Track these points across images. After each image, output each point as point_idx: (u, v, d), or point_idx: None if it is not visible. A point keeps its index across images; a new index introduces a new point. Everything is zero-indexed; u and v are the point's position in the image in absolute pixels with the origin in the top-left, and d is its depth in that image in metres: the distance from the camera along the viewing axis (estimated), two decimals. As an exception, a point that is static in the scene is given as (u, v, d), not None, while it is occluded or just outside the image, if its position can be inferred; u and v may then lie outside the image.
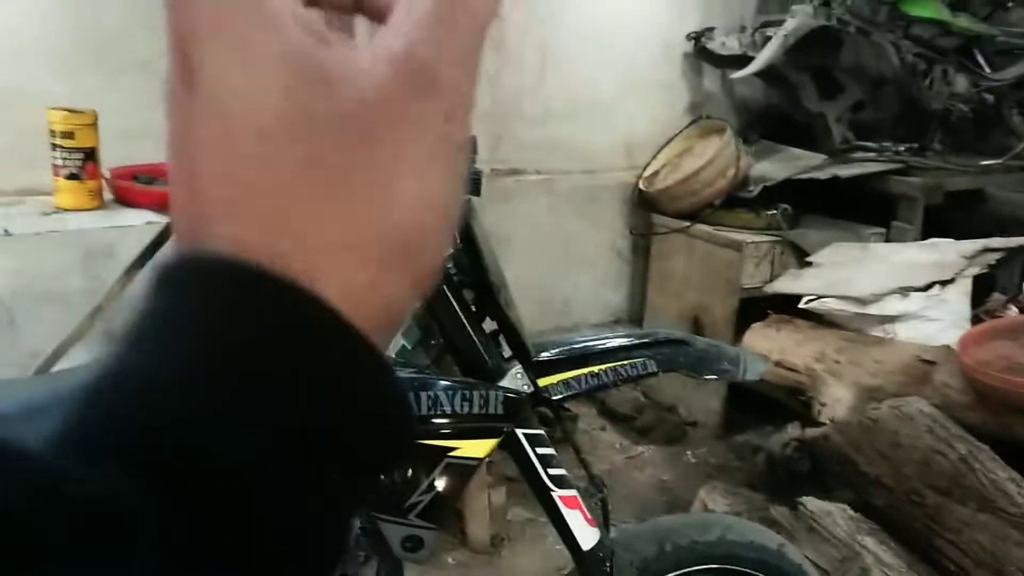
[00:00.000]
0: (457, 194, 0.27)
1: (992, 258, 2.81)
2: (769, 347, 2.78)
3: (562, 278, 3.67)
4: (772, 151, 3.61)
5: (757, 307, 3.06)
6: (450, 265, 1.37)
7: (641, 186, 3.61)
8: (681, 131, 3.68)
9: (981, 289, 3.13)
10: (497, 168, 3.46)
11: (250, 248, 0.24)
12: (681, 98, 3.77)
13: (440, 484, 1.32)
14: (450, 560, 2.55)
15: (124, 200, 2.06)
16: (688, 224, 3.37)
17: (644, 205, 3.65)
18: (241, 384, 0.23)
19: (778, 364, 2.74)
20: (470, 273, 1.40)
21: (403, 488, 1.31)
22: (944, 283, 2.69)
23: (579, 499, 1.48)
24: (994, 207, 3.29)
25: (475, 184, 1.42)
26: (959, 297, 2.73)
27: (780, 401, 3.06)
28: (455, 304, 1.37)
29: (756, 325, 2.92)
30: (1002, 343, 2.35)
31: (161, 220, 2.08)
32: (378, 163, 0.25)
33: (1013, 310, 2.88)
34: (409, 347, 1.44)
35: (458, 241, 1.38)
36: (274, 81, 0.24)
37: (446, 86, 0.25)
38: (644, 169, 3.65)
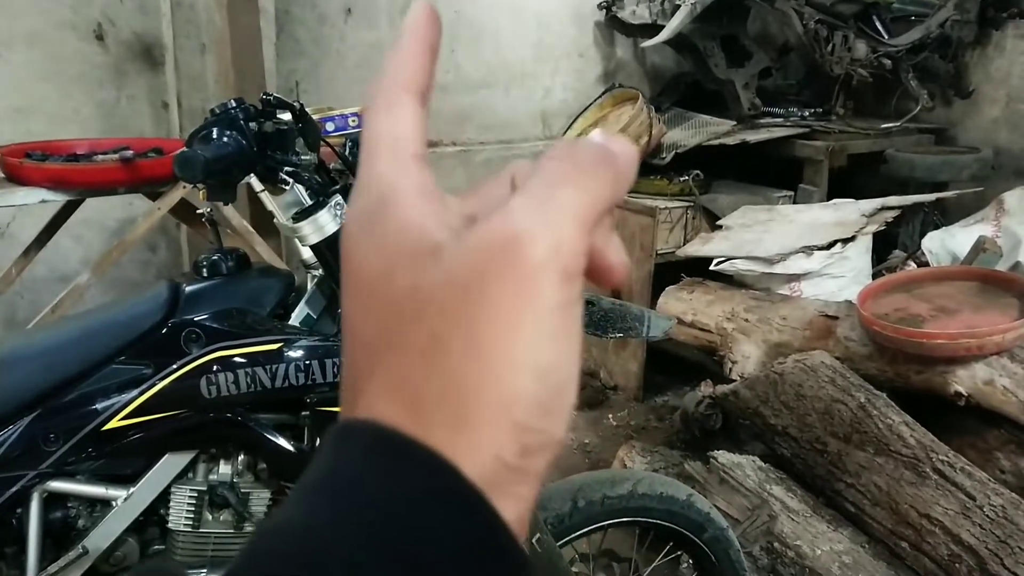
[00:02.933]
0: (573, 360, 0.28)
1: (889, 215, 2.93)
2: (683, 309, 2.85)
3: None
4: (684, 118, 3.68)
5: (673, 271, 3.13)
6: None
7: (557, 155, 3.63)
8: (595, 100, 3.71)
9: (884, 247, 3.27)
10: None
11: (387, 415, 0.27)
12: (594, 67, 3.80)
13: (349, 450, 1.32)
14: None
15: (16, 178, 1.97)
16: (603, 192, 3.40)
17: (561, 174, 3.67)
18: (381, 543, 0.25)
19: (691, 325, 2.81)
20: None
21: (312, 457, 1.31)
22: (845, 241, 2.80)
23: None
24: (894, 168, 3.42)
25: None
26: (860, 254, 2.85)
27: (696, 361, 3.15)
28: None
29: (670, 288, 2.99)
30: (897, 296, 2.46)
31: (56, 198, 2.00)
32: (474, 329, 0.26)
33: (912, 265, 3.01)
34: (315, 316, 1.43)
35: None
36: (395, 261, 0.27)
37: (546, 255, 0.26)
38: (560, 138, 3.67)
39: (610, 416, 3.29)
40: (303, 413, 1.31)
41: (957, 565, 1.79)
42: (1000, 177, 3.42)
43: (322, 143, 1.39)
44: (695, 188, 3.29)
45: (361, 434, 0.27)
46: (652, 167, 3.41)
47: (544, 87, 3.68)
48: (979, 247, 2.78)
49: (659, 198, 3.28)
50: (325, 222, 1.27)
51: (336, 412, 1.31)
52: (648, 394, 3.38)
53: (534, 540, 1.51)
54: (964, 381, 2.15)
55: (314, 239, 1.30)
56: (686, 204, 3.25)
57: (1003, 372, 2.14)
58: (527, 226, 0.26)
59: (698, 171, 3.34)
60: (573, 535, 1.64)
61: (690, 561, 1.75)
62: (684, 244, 3.19)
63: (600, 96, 3.71)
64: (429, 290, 0.27)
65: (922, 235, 3.16)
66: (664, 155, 3.41)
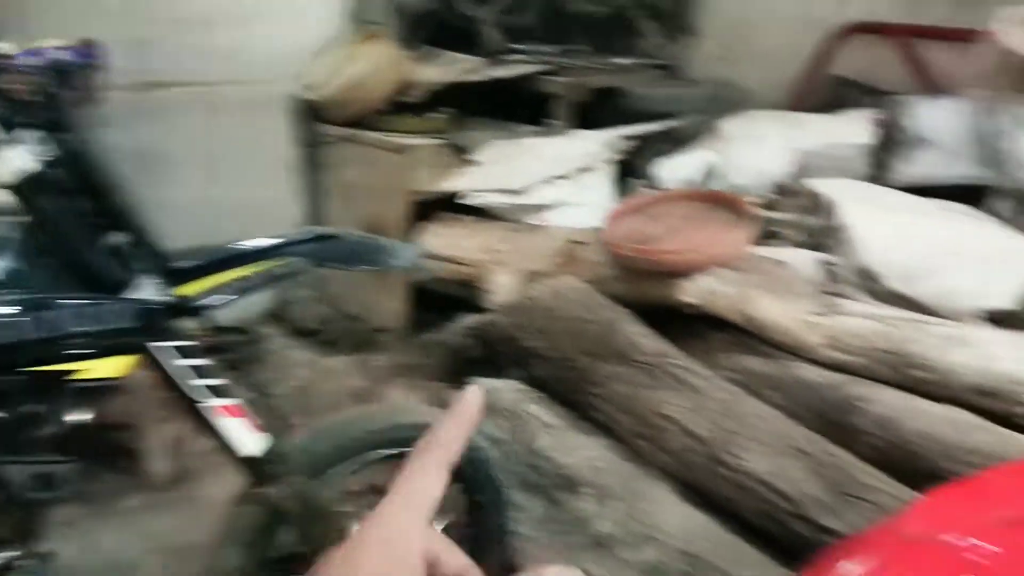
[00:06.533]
0: None
1: (627, 145, 3.13)
2: (441, 244, 2.88)
3: (232, 197, 3.47)
4: (434, 56, 3.66)
5: (431, 208, 3.14)
6: (56, 171, 1.23)
7: (306, 95, 3.49)
8: (342, 37, 3.59)
9: (625, 175, 3.48)
10: (147, 80, 3.14)
11: None
12: (341, 3, 3.66)
13: (69, 412, 1.21)
14: (133, 503, 2.39)
15: None
16: (354, 131, 3.33)
17: (311, 114, 3.55)
18: None
19: (450, 260, 2.85)
20: (84, 182, 1.27)
21: (22, 423, 1.18)
22: (589, 171, 2.95)
23: (242, 407, 1.44)
24: (631, 101, 3.64)
25: (81, 86, 1.27)
26: (602, 182, 3.02)
27: (460, 296, 3.21)
28: (67, 215, 1.23)
29: (427, 225, 3.00)
30: (635, 219, 2.64)
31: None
32: None
33: (648, 191, 3.24)
34: (21, 268, 1.28)
35: (60, 151, 1.24)
36: None
37: None
38: (308, 77, 3.53)
39: (377, 357, 3.28)
40: (9, 377, 1.18)
41: (690, 455, 1.99)
42: (722, 108, 3.75)
43: (8, 73, 1.23)
44: (447, 125, 3.31)
45: None
46: (404, 105, 3.38)
47: (290, 24, 3.50)
48: (704, 171, 3.05)
49: (412, 136, 3.26)
50: (13, 158, 1.13)
51: (46, 371, 1.19)
52: (415, 333, 3.41)
53: (284, 495, 1.48)
54: (692, 292, 2.36)
55: (6, 178, 1.16)
56: (439, 141, 3.26)
57: (725, 282, 2.38)
58: None
59: (450, 108, 3.36)
60: (340, 475, 1.64)
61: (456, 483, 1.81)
62: (438, 181, 3.21)
63: (348, 33, 3.60)
64: None
65: (656, 163, 3.39)
66: (415, 93, 3.38)
